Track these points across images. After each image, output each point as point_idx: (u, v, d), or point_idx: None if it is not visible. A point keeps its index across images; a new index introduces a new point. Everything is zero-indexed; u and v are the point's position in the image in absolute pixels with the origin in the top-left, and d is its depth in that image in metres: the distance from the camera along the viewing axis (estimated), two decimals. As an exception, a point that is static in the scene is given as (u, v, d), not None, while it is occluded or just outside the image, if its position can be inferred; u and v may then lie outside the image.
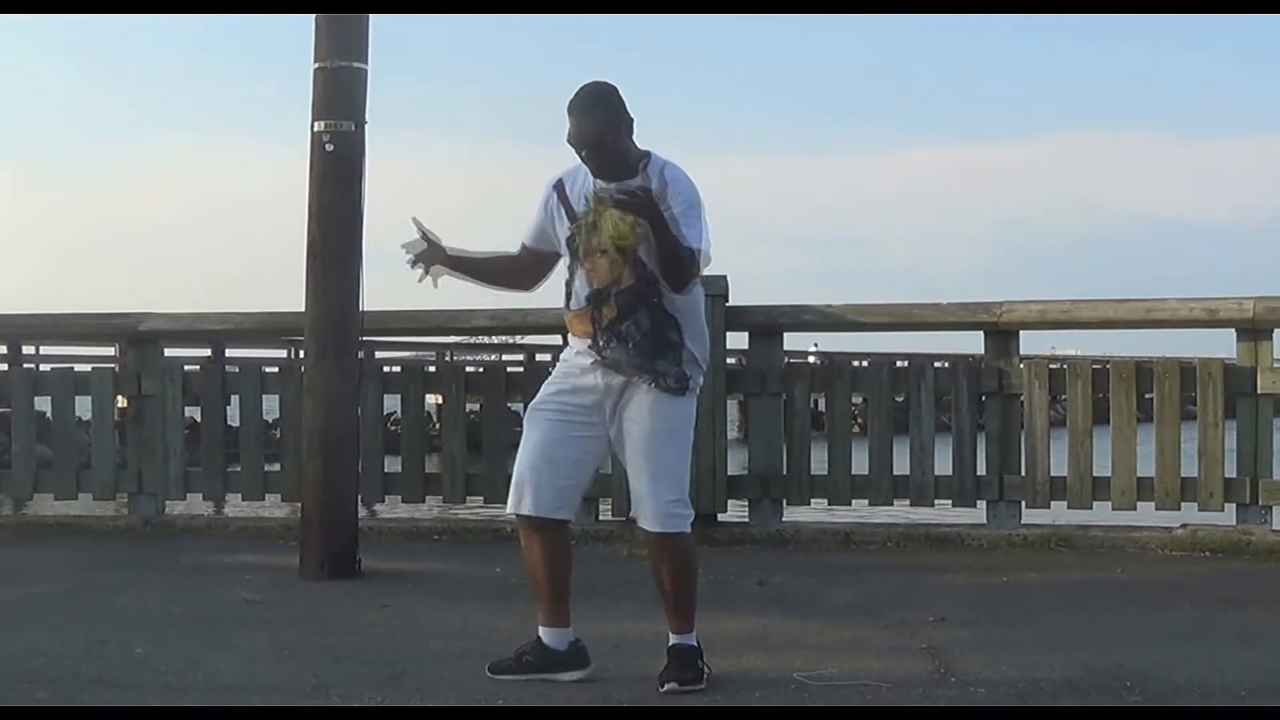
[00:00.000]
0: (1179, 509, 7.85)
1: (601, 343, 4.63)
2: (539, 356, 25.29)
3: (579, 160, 4.68)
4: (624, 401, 4.64)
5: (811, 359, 12.36)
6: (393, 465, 8.75)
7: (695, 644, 4.72)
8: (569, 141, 4.62)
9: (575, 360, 4.73)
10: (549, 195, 4.78)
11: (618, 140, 4.60)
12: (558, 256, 4.84)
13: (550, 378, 4.85)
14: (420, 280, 4.89)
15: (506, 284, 5.07)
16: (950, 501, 8.19)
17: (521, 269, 4.95)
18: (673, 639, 4.72)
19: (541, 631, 4.83)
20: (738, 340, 8.55)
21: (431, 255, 4.85)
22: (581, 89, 4.63)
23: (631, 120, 4.64)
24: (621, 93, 4.64)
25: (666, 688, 4.60)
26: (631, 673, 4.87)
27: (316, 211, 6.92)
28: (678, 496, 4.65)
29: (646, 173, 4.63)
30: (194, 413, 9.46)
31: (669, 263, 4.53)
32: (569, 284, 4.74)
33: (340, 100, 6.88)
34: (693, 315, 4.69)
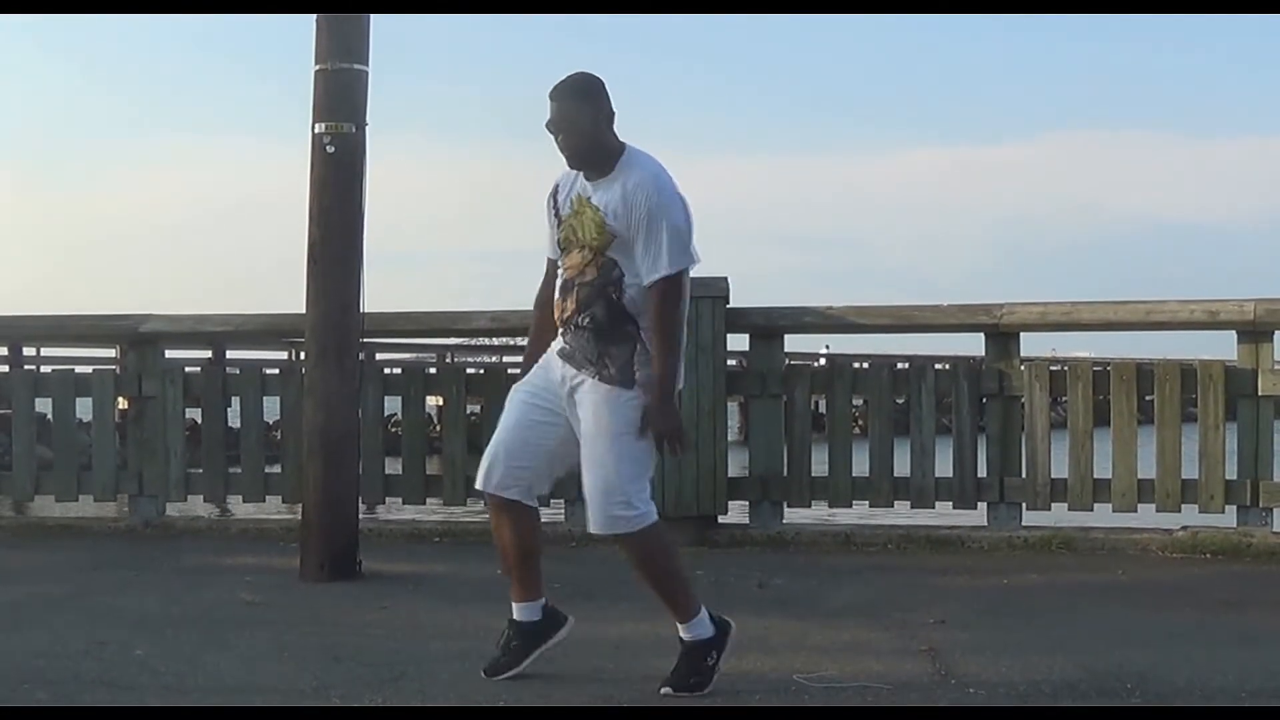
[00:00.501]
0: (1179, 511, 7.85)
1: (563, 332, 4.73)
2: (540, 358, 25.39)
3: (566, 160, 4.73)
4: (577, 398, 4.67)
5: (823, 361, 12.37)
6: (393, 467, 8.75)
7: (705, 635, 4.65)
8: (547, 126, 4.66)
9: (553, 345, 4.81)
10: (548, 201, 4.86)
11: (595, 130, 4.63)
12: None
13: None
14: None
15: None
16: (951, 503, 8.19)
17: (550, 290, 4.90)
18: (680, 629, 4.68)
19: (514, 610, 4.86)
20: (738, 342, 8.55)
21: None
22: (566, 77, 4.68)
23: (612, 113, 4.67)
24: (606, 85, 4.68)
25: (661, 690, 4.60)
26: (632, 673, 4.87)
27: (317, 213, 6.92)
28: (619, 498, 4.56)
29: (615, 173, 4.63)
30: (195, 414, 9.46)
31: (672, 334, 4.63)
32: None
33: (341, 102, 6.88)
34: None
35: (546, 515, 8.92)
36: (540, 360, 4.84)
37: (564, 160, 4.72)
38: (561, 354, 4.73)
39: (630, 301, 4.63)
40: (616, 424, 4.59)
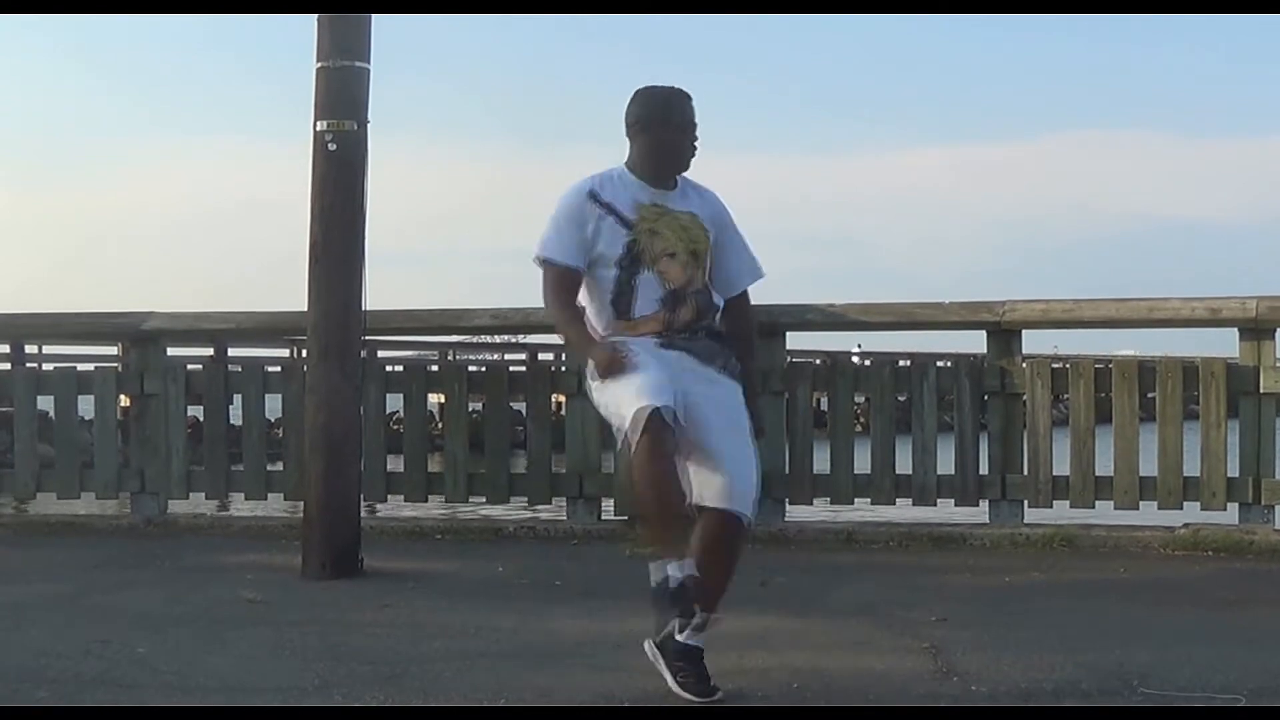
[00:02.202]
0: (1181, 508, 7.86)
1: (670, 342, 4.56)
2: (541, 356, 25.36)
3: (600, 173, 4.65)
4: (704, 386, 4.54)
5: (855, 359, 12.38)
6: (395, 465, 8.76)
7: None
8: (672, 129, 4.61)
9: (647, 342, 4.52)
10: (584, 204, 4.57)
11: None
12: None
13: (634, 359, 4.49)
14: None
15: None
16: (953, 501, 8.19)
17: (576, 295, 4.69)
18: (706, 616, 4.52)
19: (675, 569, 4.35)
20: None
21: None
22: (672, 87, 4.72)
23: None
24: None
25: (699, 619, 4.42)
26: (633, 671, 4.86)
27: (319, 211, 6.92)
28: (754, 490, 4.65)
29: (681, 186, 4.70)
30: (196, 412, 9.49)
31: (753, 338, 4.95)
32: (625, 293, 4.56)
33: (342, 100, 6.88)
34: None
35: (548, 513, 8.97)
36: (644, 354, 4.47)
37: (669, 159, 4.63)
38: (672, 346, 4.52)
39: (719, 310, 4.75)
40: (745, 419, 4.67)
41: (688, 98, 4.71)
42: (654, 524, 4.48)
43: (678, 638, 4.53)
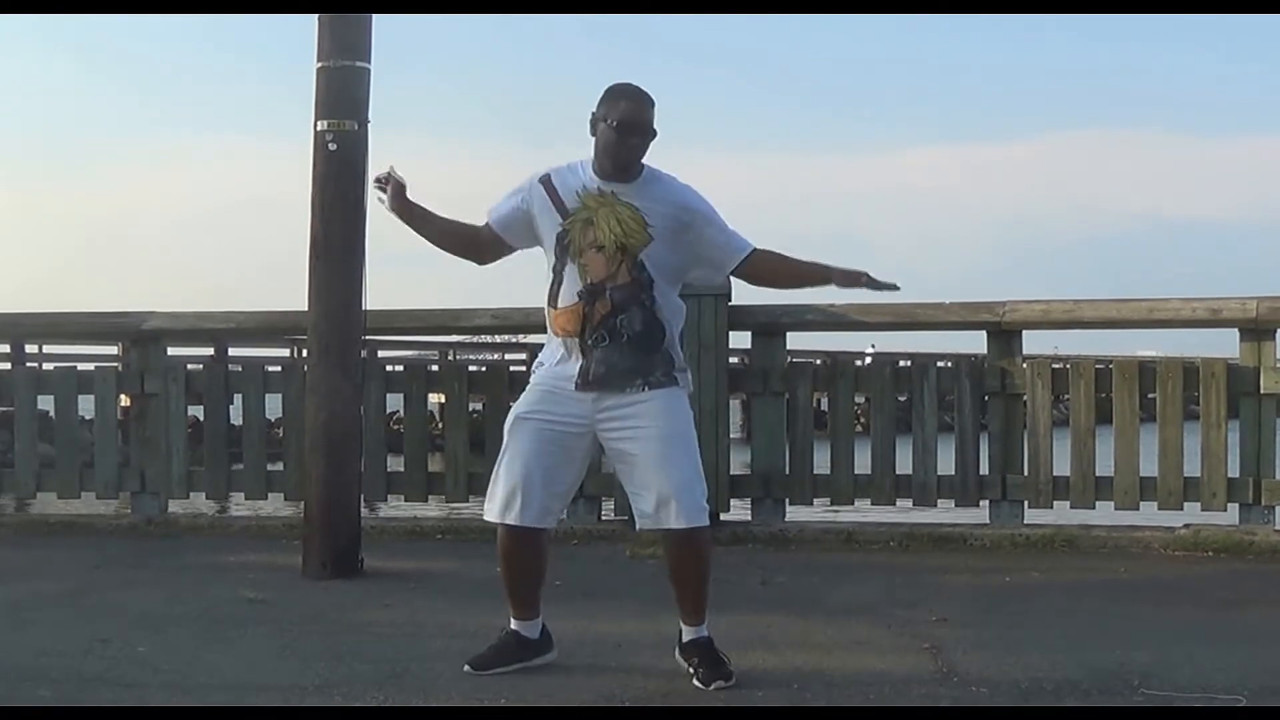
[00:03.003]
0: (1182, 509, 7.86)
1: (591, 341, 4.63)
2: (542, 356, 25.39)
3: (568, 162, 4.73)
4: (622, 416, 4.64)
5: (869, 359, 12.41)
6: (395, 464, 8.76)
7: (709, 635, 4.78)
8: (615, 125, 4.58)
9: (559, 371, 4.71)
10: (531, 188, 4.74)
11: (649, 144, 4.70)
12: (512, 250, 4.87)
13: (532, 385, 4.80)
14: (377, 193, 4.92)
15: (460, 252, 4.96)
16: (953, 501, 8.19)
17: (479, 243, 4.91)
18: (692, 633, 4.75)
19: (517, 624, 4.90)
20: (740, 340, 8.55)
21: (397, 191, 4.85)
22: (628, 83, 4.69)
23: None
24: None
25: (714, 686, 4.62)
26: (633, 672, 4.87)
27: (319, 210, 6.92)
28: (700, 492, 4.66)
29: (644, 180, 4.67)
30: (197, 412, 9.48)
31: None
32: (556, 281, 4.71)
33: (343, 99, 6.88)
34: (675, 322, 4.77)
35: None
36: (539, 386, 4.74)
37: (611, 158, 4.63)
38: (585, 380, 4.63)
39: (660, 308, 4.66)
40: (680, 424, 4.66)
41: (639, 100, 4.63)
42: (509, 593, 4.92)
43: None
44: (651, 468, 4.62)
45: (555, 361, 4.74)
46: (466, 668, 4.83)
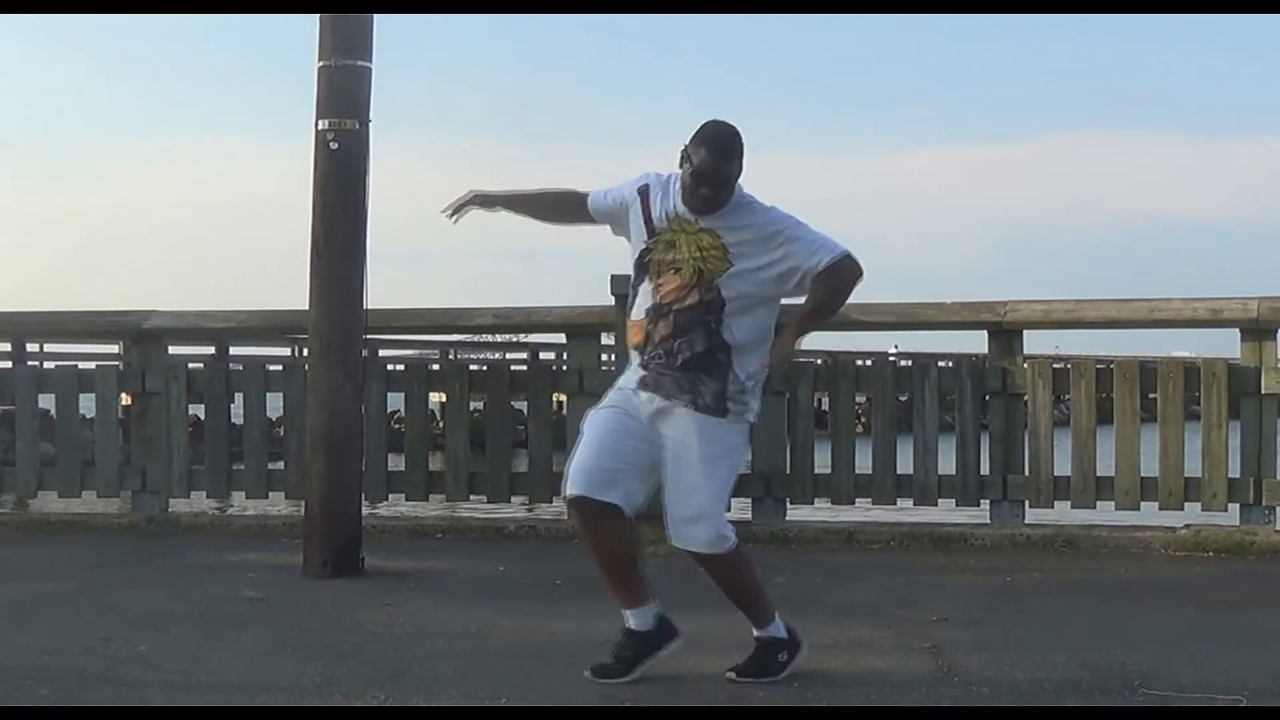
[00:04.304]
0: (1182, 509, 7.86)
1: (648, 357, 4.68)
2: (542, 355, 25.39)
3: (668, 174, 4.72)
4: (666, 425, 4.67)
5: (891, 359, 12.45)
6: (396, 463, 8.76)
7: (779, 635, 4.80)
8: (690, 173, 4.58)
9: (631, 375, 4.78)
10: (632, 197, 4.78)
11: (733, 185, 4.64)
12: (594, 226, 4.96)
13: (615, 384, 4.87)
14: (452, 218, 5.08)
15: (544, 215, 5.11)
16: (954, 501, 8.19)
17: (568, 208, 5.01)
18: (757, 633, 4.83)
19: (628, 618, 4.80)
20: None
21: (471, 202, 5.03)
22: (719, 126, 4.63)
23: (742, 169, 4.67)
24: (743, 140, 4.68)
25: (731, 673, 4.73)
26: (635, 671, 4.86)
27: (320, 209, 6.92)
28: (719, 521, 4.69)
29: (731, 208, 4.63)
30: (198, 410, 9.48)
31: (836, 303, 4.76)
32: (633, 294, 4.79)
33: (344, 98, 6.88)
34: (748, 348, 4.70)
35: (549, 513, 8.97)
36: (618, 389, 4.79)
37: (686, 198, 4.62)
38: (643, 384, 4.69)
39: (730, 334, 4.65)
40: (709, 449, 4.64)
41: (717, 151, 4.57)
42: (607, 583, 4.87)
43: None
44: (673, 487, 4.66)
45: (631, 367, 4.80)
46: (587, 674, 4.75)
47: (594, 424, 4.76)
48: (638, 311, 4.74)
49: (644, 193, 4.76)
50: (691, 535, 4.66)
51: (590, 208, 4.94)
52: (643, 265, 4.73)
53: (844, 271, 4.66)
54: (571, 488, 4.67)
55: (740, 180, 4.65)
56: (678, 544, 4.73)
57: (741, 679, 4.71)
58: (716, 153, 4.57)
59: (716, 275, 4.61)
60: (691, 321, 4.63)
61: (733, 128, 4.66)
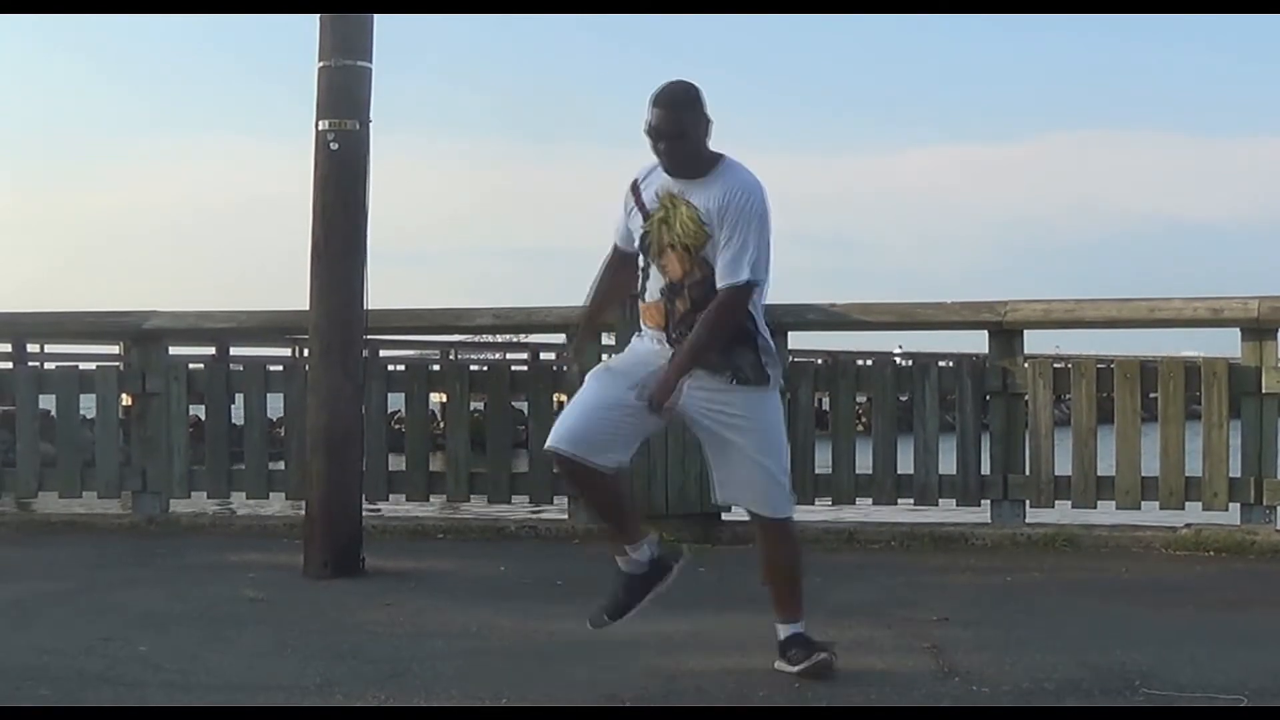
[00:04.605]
0: (1183, 509, 7.86)
1: (675, 335, 4.70)
2: (543, 355, 25.35)
3: (654, 157, 4.75)
4: (708, 404, 4.69)
5: (897, 359, 12.48)
6: (397, 464, 8.76)
7: (803, 630, 4.87)
8: (647, 132, 4.66)
9: (649, 346, 4.78)
10: (626, 194, 4.86)
11: (695, 137, 4.67)
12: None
13: (627, 349, 4.91)
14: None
15: (622, 287, 5.08)
16: (954, 501, 8.19)
17: (617, 266, 5.01)
18: (784, 630, 4.86)
19: (619, 563, 4.88)
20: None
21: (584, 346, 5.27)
22: (668, 84, 4.71)
23: (710, 121, 4.71)
24: (703, 94, 4.72)
25: (802, 666, 4.77)
26: (635, 672, 4.87)
27: (321, 210, 6.93)
28: (786, 485, 4.81)
29: (712, 176, 4.67)
30: (198, 411, 9.48)
31: (716, 336, 4.63)
32: (644, 277, 4.81)
33: (344, 99, 6.88)
34: (760, 309, 4.76)
35: (549, 513, 8.96)
36: (635, 355, 4.80)
37: (660, 162, 4.71)
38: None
39: None
40: (771, 419, 4.75)
41: (665, 105, 4.63)
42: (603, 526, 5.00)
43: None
44: (744, 462, 4.72)
45: (649, 340, 4.79)
46: (588, 624, 4.93)
47: (596, 387, 4.75)
48: (652, 293, 4.76)
49: (634, 186, 4.83)
50: (772, 505, 4.79)
51: (620, 246, 4.95)
52: (645, 249, 4.77)
53: (725, 306, 4.61)
54: (557, 442, 4.68)
55: (709, 141, 4.69)
56: (747, 509, 4.89)
57: (796, 667, 4.76)
58: (665, 104, 4.65)
59: (700, 248, 4.65)
60: (707, 293, 4.65)
61: (683, 82, 4.74)
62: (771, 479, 4.75)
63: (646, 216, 4.75)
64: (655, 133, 4.65)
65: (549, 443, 4.73)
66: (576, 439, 4.66)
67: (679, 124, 4.63)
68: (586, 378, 4.84)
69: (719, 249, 4.62)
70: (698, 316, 4.65)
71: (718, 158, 4.71)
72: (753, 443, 4.71)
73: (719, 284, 4.62)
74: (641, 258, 4.81)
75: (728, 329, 4.64)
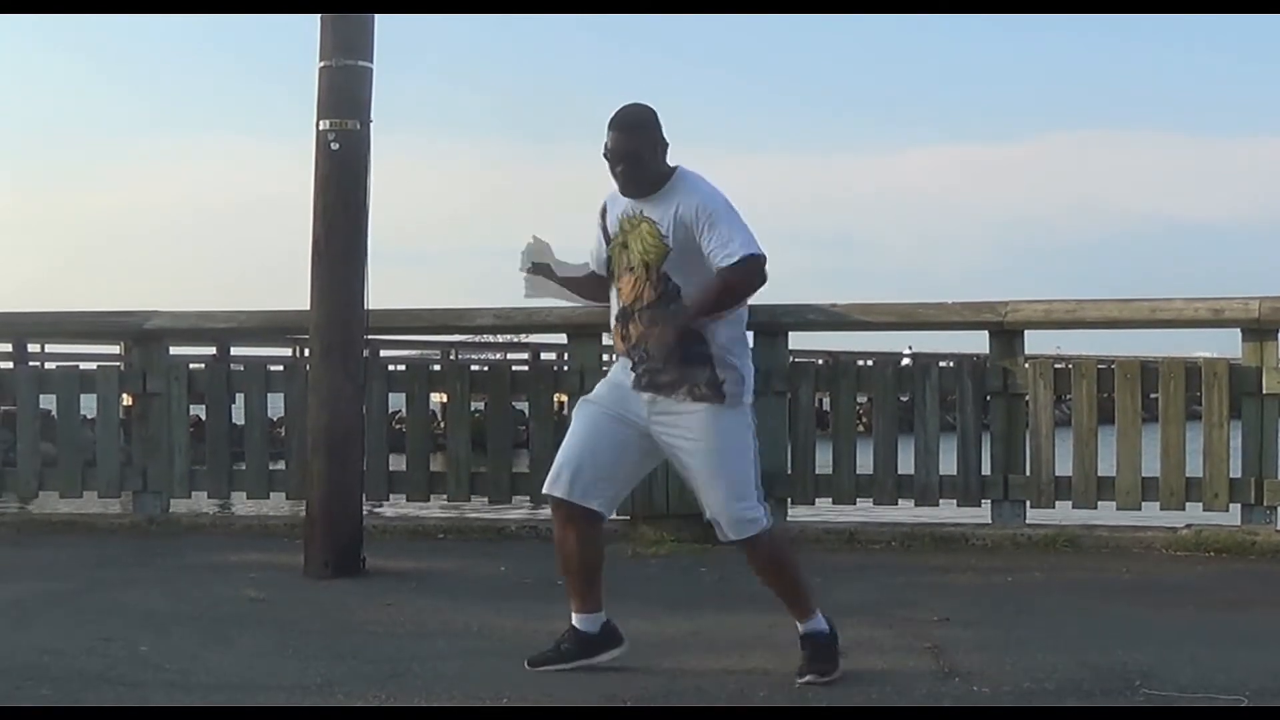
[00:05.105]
0: (1184, 509, 7.85)
1: (635, 358, 4.76)
2: (544, 355, 25.40)
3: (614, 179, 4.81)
4: (672, 423, 4.73)
5: (906, 361, 12.47)
6: (397, 464, 8.76)
7: (826, 628, 4.81)
8: (605, 155, 4.76)
9: (621, 372, 4.85)
10: (597, 222, 4.94)
11: (652, 159, 4.75)
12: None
13: (606, 377, 4.99)
14: (525, 289, 5.14)
15: (594, 297, 5.15)
16: (955, 501, 8.19)
17: (598, 287, 5.07)
18: (800, 628, 4.83)
19: (575, 619, 4.93)
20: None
21: (540, 270, 5.07)
22: (623, 108, 4.81)
23: (666, 144, 4.79)
24: (659, 116, 4.80)
25: (806, 679, 4.69)
26: (635, 671, 4.87)
27: (321, 210, 6.93)
28: (747, 503, 4.76)
29: (667, 189, 4.71)
30: (199, 411, 9.47)
31: (727, 302, 4.66)
32: (610, 302, 4.90)
33: (345, 99, 6.88)
34: (721, 327, 4.72)
35: (550, 513, 8.94)
36: (608, 380, 4.90)
37: (616, 184, 4.79)
38: (638, 384, 4.75)
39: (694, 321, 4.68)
40: (726, 439, 4.73)
41: (621, 128, 4.72)
42: (567, 583, 4.99)
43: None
44: (700, 484, 4.78)
45: (619, 368, 4.88)
46: (526, 664, 4.90)
47: (582, 422, 4.85)
48: (612, 318, 4.85)
49: (602, 211, 4.92)
50: (724, 526, 4.77)
51: (596, 270, 5.02)
52: (609, 273, 4.86)
53: (745, 272, 4.64)
54: (553, 489, 4.81)
55: (668, 158, 4.75)
56: (719, 535, 4.84)
57: (803, 679, 4.69)
58: (619, 128, 4.74)
59: (659, 263, 4.69)
60: (655, 318, 4.69)
61: (638, 105, 4.83)
62: (728, 499, 4.72)
63: (609, 242, 4.85)
64: (612, 155, 4.74)
65: (545, 489, 4.86)
66: (572, 479, 4.77)
67: (635, 149, 4.72)
68: (573, 413, 4.95)
69: (706, 245, 4.63)
70: (650, 341, 4.68)
71: (671, 172, 4.77)
72: (705, 464, 4.72)
73: (723, 263, 4.60)
74: (609, 283, 4.89)
75: (734, 293, 4.65)
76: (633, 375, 4.77)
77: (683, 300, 4.68)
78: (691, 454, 4.73)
